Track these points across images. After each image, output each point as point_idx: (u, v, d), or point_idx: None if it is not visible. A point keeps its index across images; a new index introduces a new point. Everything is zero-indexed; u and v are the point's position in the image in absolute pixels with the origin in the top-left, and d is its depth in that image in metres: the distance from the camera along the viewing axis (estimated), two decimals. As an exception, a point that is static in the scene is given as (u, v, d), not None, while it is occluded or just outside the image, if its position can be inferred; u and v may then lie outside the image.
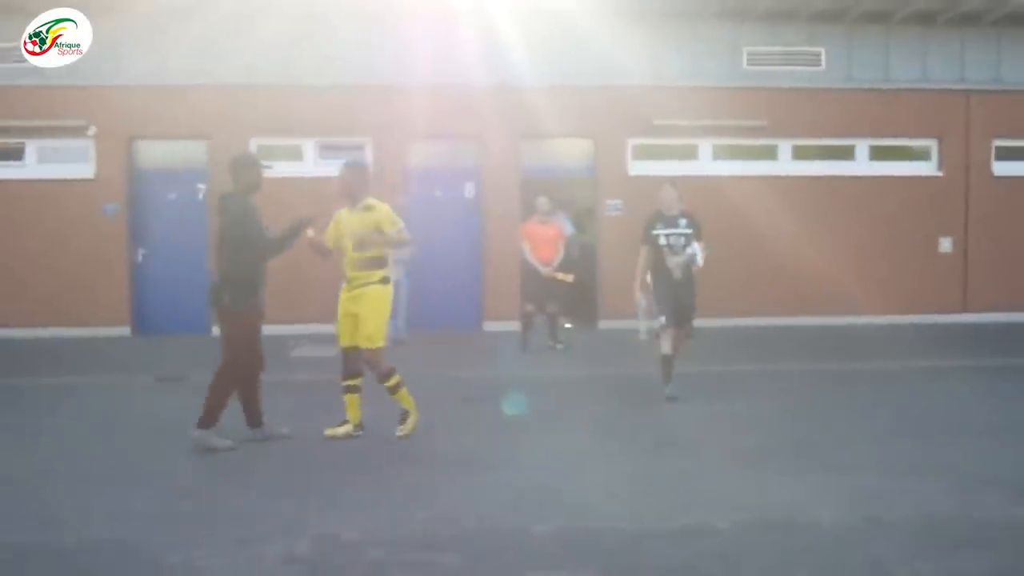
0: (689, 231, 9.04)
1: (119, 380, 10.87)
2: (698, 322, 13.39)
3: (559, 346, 12.68)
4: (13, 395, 9.98)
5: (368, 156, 14.84)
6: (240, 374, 7.35)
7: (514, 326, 13.11)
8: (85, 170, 14.74)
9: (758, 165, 15.48)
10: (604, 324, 15.10)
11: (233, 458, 7.03)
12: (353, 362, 7.56)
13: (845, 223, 15.27)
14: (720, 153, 15.47)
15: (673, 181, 9.47)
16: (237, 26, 14.36)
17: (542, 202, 12.70)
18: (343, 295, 7.57)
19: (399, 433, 7.45)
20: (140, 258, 14.93)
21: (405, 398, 7.55)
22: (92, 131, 14.51)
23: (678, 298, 9.04)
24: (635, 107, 14.65)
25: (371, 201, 7.57)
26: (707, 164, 15.41)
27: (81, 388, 10.35)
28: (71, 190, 14.58)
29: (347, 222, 7.58)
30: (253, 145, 14.70)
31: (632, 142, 15.24)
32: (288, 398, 8.95)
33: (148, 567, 4.83)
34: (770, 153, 15.66)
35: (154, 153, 15.19)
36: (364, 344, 7.40)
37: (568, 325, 12.86)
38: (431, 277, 14.35)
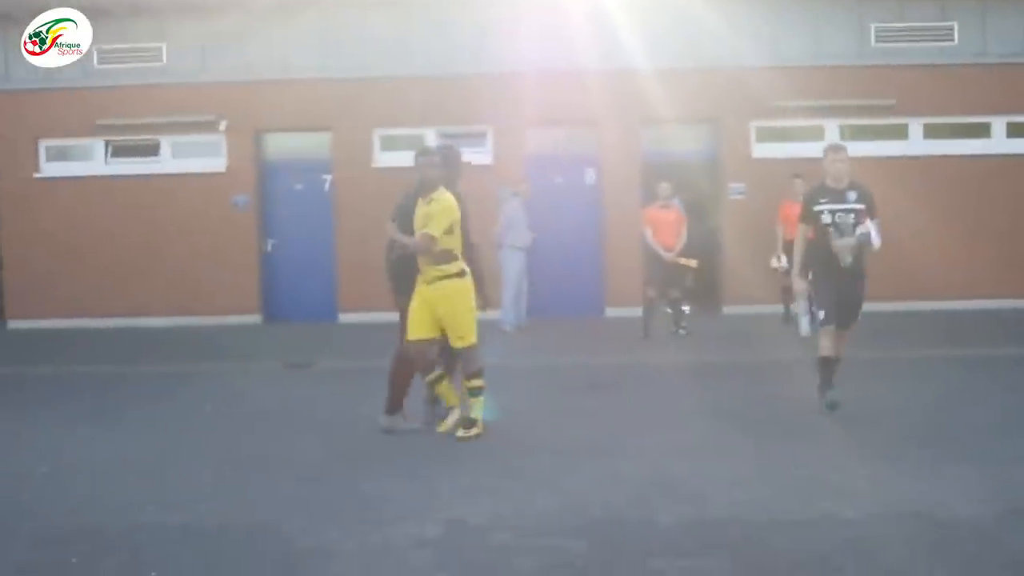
0: (860, 206, 7.64)
1: (248, 367, 11.18)
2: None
3: (682, 332, 12.56)
4: (146, 381, 10.41)
5: (488, 143, 14.95)
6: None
7: (636, 312, 13.01)
8: (217, 164, 15.20)
9: (887, 145, 14.95)
10: (727, 310, 14.88)
11: (360, 444, 7.15)
12: (426, 354, 7.18)
13: (980, 203, 14.71)
14: (847, 133, 15.01)
15: (840, 147, 8.10)
16: (355, 19, 14.73)
17: (664, 187, 12.59)
18: (419, 286, 7.13)
19: (459, 434, 7.16)
20: (269, 248, 15.32)
21: (478, 405, 7.22)
22: (223, 125, 14.96)
23: (843, 290, 7.65)
24: (757, 89, 14.30)
25: (436, 193, 7.05)
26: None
27: (212, 374, 10.69)
28: (204, 183, 15.05)
29: (416, 213, 7.12)
30: (376, 136, 14.96)
31: (755, 124, 14.92)
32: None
33: (282, 549, 4.96)
34: (900, 132, 15.10)
35: (280, 145, 15.55)
36: (457, 344, 7.10)
37: (686, 309, 12.69)
38: (552, 263, 14.39)
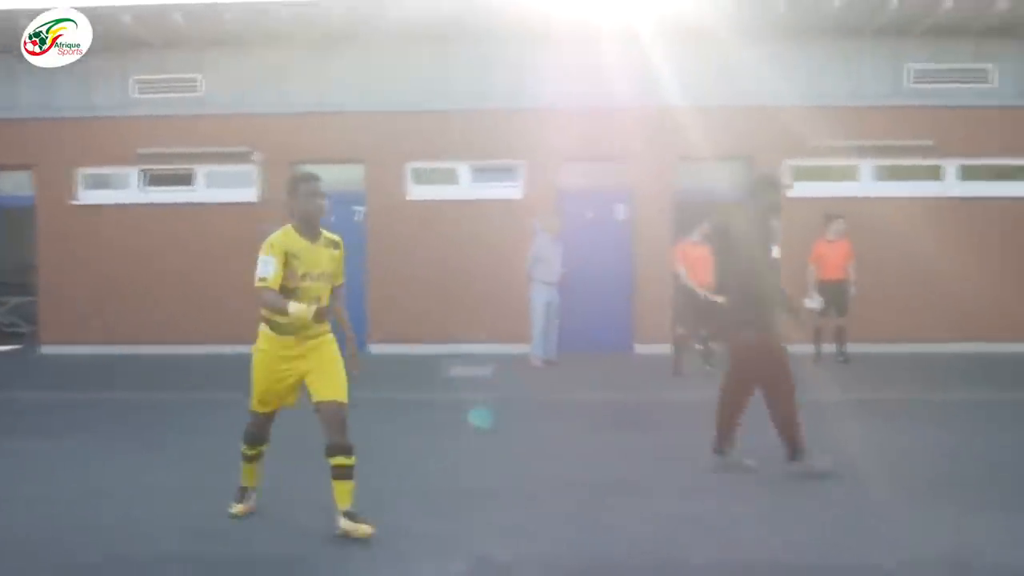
0: None
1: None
2: (855, 347, 13.01)
3: (712, 369, 12.44)
4: (177, 409, 10.42)
5: (520, 178, 14.98)
6: (736, 395, 7.17)
7: (665, 349, 12.93)
8: (249, 194, 15.29)
9: (923, 186, 14.83)
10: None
11: (387, 479, 7.07)
12: (267, 427, 6.08)
13: (1016, 246, 14.56)
14: (882, 174, 14.95)
15: None
16: (391, 53, 14.78)
17: (707, 226, 12.51)
18: (278, 351, 5.73)
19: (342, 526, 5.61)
20: (300, 279, 15.30)
21: (347, 492, 5.62)
22: (257, 156, 15.05)
23: None
24: (792, 127, 14.18)
25: (332, 234, 5.89)
26: (868, 185, 14.90)
27: (243, 403, 10.64)
28: (236, 212, 15.14)
29: (309, 258, 5.65)
30: (408, 169, 15.02)
31: (789, 163, 14.84)
32: (446, 415, 9.05)
33: (308, 583, 4.90)
34: (935, 174, 14.95)
35: (313, 177, 15.63)
36: (337, 397, 5.67)
37: (716, 347, 12.62)
38: (582, 298, 14.35)
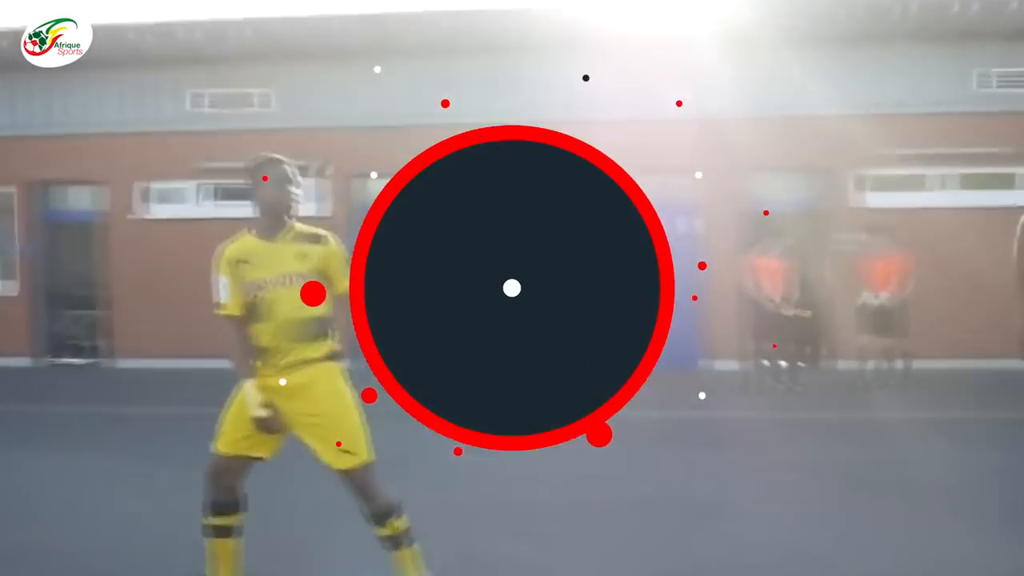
0: None
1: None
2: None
3: (788, 387, 10.84)
4: None
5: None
6: None
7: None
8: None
9: (996, 195, 12.33)
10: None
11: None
12: (234, 481, 3.86)
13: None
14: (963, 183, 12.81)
15: None
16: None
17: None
18: (257, 380, 3.73)
19: None
20: None
21: (412, 560, 3.74)
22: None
23: None
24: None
25: (313, 228, 3.93)
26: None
27: None
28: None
29: (264, 260, 3.80)
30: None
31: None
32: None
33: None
34: (1007, 183, 12.56)
35: None
36: (341, 464, 3.74)
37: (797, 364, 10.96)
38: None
